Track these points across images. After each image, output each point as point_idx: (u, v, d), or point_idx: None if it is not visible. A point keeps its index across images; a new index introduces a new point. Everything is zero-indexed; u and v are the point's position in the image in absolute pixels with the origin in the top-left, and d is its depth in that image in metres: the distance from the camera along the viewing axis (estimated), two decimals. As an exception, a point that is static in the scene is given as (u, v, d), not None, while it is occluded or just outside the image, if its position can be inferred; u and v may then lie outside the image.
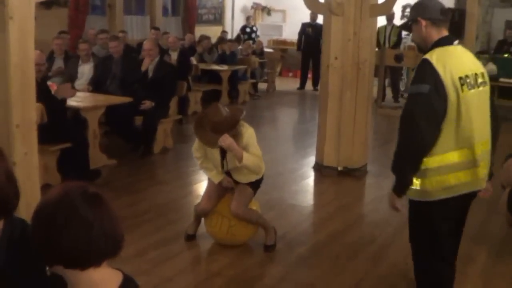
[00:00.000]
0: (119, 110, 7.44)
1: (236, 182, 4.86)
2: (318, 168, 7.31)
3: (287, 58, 17.02)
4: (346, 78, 6.96)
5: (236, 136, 4.54)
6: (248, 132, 4.62)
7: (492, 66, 11.28)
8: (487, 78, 3.42)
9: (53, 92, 6.48)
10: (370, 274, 4.60)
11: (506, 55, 11.70)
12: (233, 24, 16.85)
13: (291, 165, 7.71)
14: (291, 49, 16.64)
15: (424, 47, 3.37)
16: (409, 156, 3.24)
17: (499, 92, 11.23)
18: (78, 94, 7.16)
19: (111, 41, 8.46)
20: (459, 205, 3.42)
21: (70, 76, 8.19)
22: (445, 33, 3.33)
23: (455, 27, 11.57)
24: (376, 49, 10.63)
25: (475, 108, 3.24)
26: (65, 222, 1.65)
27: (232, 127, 4.52)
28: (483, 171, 3.35)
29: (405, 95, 13.49)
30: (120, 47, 8.33)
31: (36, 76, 4.28)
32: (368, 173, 7.35)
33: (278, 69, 16.66)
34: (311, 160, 7.69)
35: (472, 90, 3.23)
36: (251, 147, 4.60)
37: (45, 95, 5.96)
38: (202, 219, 5.05)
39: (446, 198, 3.30)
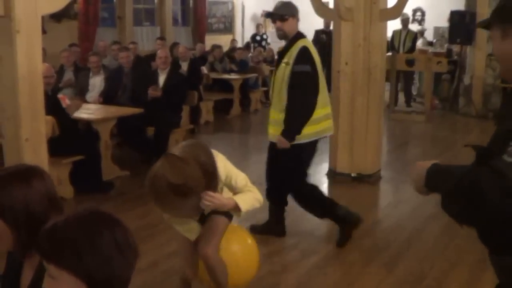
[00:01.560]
0: (131, 121, 7.44)
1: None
2: (332, 175, 7.27)
3: (298, 65, 17.01)
4: (357, 83, 6.92)
5: (214, 189, 3.27)
6: (220, 162, 3.36)
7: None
8: None
9: (63, 105, 6.50)
10: (385, 281, 4.55)
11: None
12: (243, 33, 16.86)
13: (304, 172, 7.65)
14: (302, 56, 16.60)
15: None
16: (303, 114, 4.87)
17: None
18: (90, 106, 7.20)
19: (121, 52, 8.49)
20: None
21: (81, 89, 8.22)
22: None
23: (467, 30, 11.51)
24: (390, 53, 10.62)
25: (323, 79, 5.03)
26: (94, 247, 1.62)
27: (211, 179, 3.19)
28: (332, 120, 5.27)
29: (418, 99, 13.45)
30: (130, 57, 8.35)
31: (45, 89, 4.29)
32: (382, 179, 7.29)
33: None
34: (324, 167, 7.64)
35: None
36: (233, 177, 3.40)
37: (56, 108, 5.98)
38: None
39: (315, 139, 5.07)
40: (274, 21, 5.09)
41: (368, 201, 6.68)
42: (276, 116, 4.99)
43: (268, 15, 5.46)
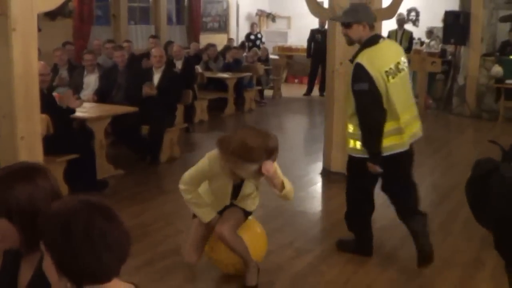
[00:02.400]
0: (125, 120, 7.44)
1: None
2: (326, 174, 7.29)
3: (293, 65, 17.02)
4: (352, 83, 6.92)
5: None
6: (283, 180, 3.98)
7: (498, 69, 11.23)
8: (405, 60, 4.61)
9: (58, 103, 6.50)
10: (380, 280, 4.57)
11: (511, 57, 11.64)
12: (238, 32, 16.86)
13: (299, 171, 7.67)
14: (297, 55, 16.64)
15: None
16: (372, 133, 4.40)
17: (505, 94, 11.17)
18: (84, 104, 7.17)
19: (115, 50, 8.48)
20: (389, 162, 4.48)
21: (75, 87, 8.20)
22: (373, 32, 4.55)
23: (461, 30, 11.55)
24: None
25: (399, 90, 4.40)
26: (83, 233, 1.64)
27: (271, 156, 3.77)
28: (407, 136, 4.52)
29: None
30: (125, 56, 8.34)
31: (41, 87, 4.29)
32: (376, 178, 7.30)
33: (284, 75, 16.65)
34: (318, 166, 7.67)
35: (395, 78, 4.38)
36: (277, 170, 3.93)
37: (50, 106, 5.97)
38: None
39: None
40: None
41: (362, 201, 6.70)
42: (346, 127, 4.78)
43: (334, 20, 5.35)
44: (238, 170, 3.80)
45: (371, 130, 4.38)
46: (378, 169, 4.47)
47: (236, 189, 4.15)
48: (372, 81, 4.28)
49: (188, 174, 4.14)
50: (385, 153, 4.44)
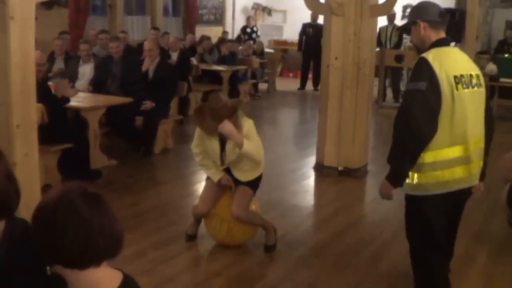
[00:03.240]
0: (120, 111, 7.44)
1: (235, 182, 4.80)
2: (319, 168, 7.32)
3: (288, 59, 17.03)
4: (346, 78, 6.96)
5: (236, 128, 4.47)
6: (247, 123, 4.58)
7: (492, 66, 11.28)
8: (482, 80, 3.55)
9: (53, 92, 6.49)
10: (371, 274, 4.60)
11: (506, 55, 11.69)
12: (234, 25, 16.85)
13: (292, 165, 7.71)
14: (292, 49, 16.64)
15: (422, 48, 3.48)
16: (408, 148, 3.33)
17: (499, 92, 11.23)
18: (79, 94, 7.17)
19: (111, 41, 8.47)
20: (454, 200, 3.56)
21: (70, 77, 8.19)
22: (442, 35, 3.50)
23: (456, 28, 11.57)
24: (377, 49, 10.65)
25: (469, 106, 3.38)
26: (64, 221, 1.66)
27: (231, 114, 4.46)
28: (476, 167, 3.53)
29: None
30: (120, 47, 8.33)
31: (36, 77, 4.29)
32: (369, 173, 7.35)
33: (279, 69, 16.66)
34: (312, 160, 7.70)
35: (467, 90, 3.37)
36: (250, 137, 4.57)
37: (45, 95, 5.97)
38: (202, 220, 5.03)
39: (441, 193, 3.44)
40: None
41: (354, 195, 6.75)
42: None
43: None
44: (206, 126, 4.56)
45: (409, 143, 3.31)
46: (391, 194, 3.56)
47: (222, 147, 4.65)
48: (434, 81, 3.24)
49: (193, 141, 4.84)
50: (451, 189, 3.44)
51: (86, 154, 6.72)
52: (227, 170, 4.81)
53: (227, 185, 4.79)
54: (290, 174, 7.32)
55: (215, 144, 4.66)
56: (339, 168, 7.17)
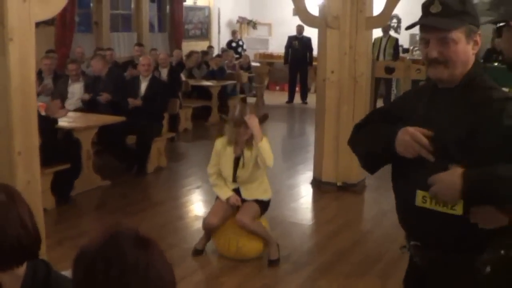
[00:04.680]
0: (111, 130, 7.27)
1: (243, 201, 4.97)
2: (317, 184, 7.19)
3: (274, 72, 16.92)
4: (343, 92, 6.87)
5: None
6: (264, 138, 4.94)
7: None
8: None
9: (41, 112, 6.31)
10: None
11: (495, 64, 11.68)
12: (220, 39, 16.75)
13: (288, 182, 7.58)
14: (278, 62, 16.55)
15: None
16: None
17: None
18: (70, 114, 7.01)
19: (92, 59, 8.40)
20: None
21: (60, 96, 8.01)
22: None
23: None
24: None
25: None
26: (118, 272, 1.43)
27: (260, 121, 4.99)
28: None
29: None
30: (100, 65, 8.18)
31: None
32: (367, 188, 7.24)
33: (266, 83, 16.56)
34: (308, 175, 7.58)
35: None
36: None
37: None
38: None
39: None
40: None
41: (355, 211, 6.64)
42: None
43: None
44: (233, 132, 4.91)
45: None
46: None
47: (235, 164, 4.95)
48: None
49: (210, 162, 5.14)
50: None
51: (75, 177, 6.56)
52: (237, 192, 5.02)
53: (235, 205, 4.96)
54: (288, 191, 7.19)
55: (230, 162, 4.98)
56: (338, 184, 7.05)
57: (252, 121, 4.80)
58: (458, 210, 2.09)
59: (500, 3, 11.51)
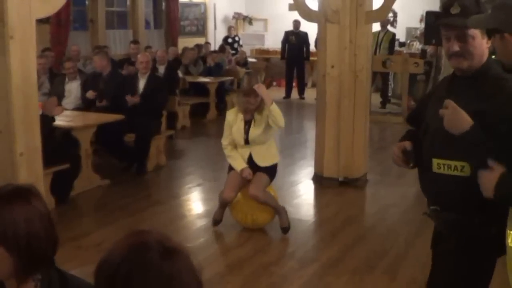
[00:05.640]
0: (110, 128, 7.19)
1: (255, 170, 5.37)
2: (318, 179, 7.14)
3: (270, 67, 16.86)
4: (344, 86, 6.81)
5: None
6: (274, 104, 5.30)
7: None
8: None
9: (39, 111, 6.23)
10: (389, 290, 4.44)
11: (493, 57, 11.63)
12: (216, 35, 16.65)
13: (290, 178, 7.51)
14: (274, 58, 16.48)
15: None
16: None
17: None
18: (68, 113, 6.94)
19: (95, 56, 8.30)
20: None
21: (57, 95, 7.91)
22: None
23: (438, 32, 11.49)
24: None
25: None
26: (140, 284, 1.35)
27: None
28: None
29: (392, 100, 13.41)
30: (104, 61, 8.10)
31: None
32: (369, 182, 7.19)
33: (262, 78, 16.48)
34: (308, 171, 7.53)
35: None
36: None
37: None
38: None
39: None
40: None
41: (358, 206, 6.60)
42: None
43: None
44: (244, 102, 5.29)
45: None
46: None
47: (248, 125, 5.33)
48: None
49: (223, 134, 5.51)
50: None
51: (74, 177, 6.48)
52: (249, 160, 5.42)
53: (247, 178, 5.32)
54: (290, 187, 7.13)
55: (241, 126, 5.36)
56: (339, 179, 7.00)
57: (261, 88, 5.20)
58: (466, 171, 2.48)
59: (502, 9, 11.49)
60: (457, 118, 2.37)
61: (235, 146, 5.46)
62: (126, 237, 1.44)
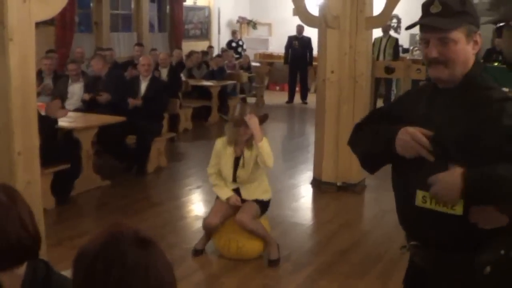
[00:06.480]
0: (111, 130, 7.26)
1: (243, 201, 4.98)
2: (316, 184, 7.19)
3: (274, 72, 16.92)
4: (343, 92, 6.87)
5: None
6: (264, 138, 4.90)
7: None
8: None
9: (41, 112, 6.30)
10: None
11: (496, 64, 11.67)
12: (220, 39, 16.74)
13: (288, 182, 7.57)
14: (278, 62, 16.55)
15: None
16: None
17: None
18: (70, 114, 7.00)
19: (93, 59, 8.40)
20: None
21: (60, 96, 8.00)
22: None
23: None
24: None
25: None
26: (118, 272, 1.41)
27: (260, 122, 4.91)
28: None
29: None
30: (100, 65, 8.19)
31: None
32: (367, 188, 7.24)
33: (266, 83, 16.55)
34: (308, 175, 7.58)
35: None
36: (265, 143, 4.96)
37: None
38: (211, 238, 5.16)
39: None
40: None
41: (355, 211, 6.64)
42: None
43: None
44: (234, 132, 4.92)
45: None
46: None
47: (235, 164, 4.97)
48: None
49: (210, 162, 5.16)
50: None
51: (75, 177, 6.55)
52: (237, 193, 5.03)
53: (235, 204, 4.96)
54: (288, 191, 7.19)
55: (230, 162, 5.00)
56: (338, 184, 7.05)
57: (252, 121, 4.77)
58: (458, 210, 2.08)
59: (500, 3, 11.50)
60: (447, 187, 2.04)
61: (220, 174, 5.10)
62: (103, 229, 1.49)
